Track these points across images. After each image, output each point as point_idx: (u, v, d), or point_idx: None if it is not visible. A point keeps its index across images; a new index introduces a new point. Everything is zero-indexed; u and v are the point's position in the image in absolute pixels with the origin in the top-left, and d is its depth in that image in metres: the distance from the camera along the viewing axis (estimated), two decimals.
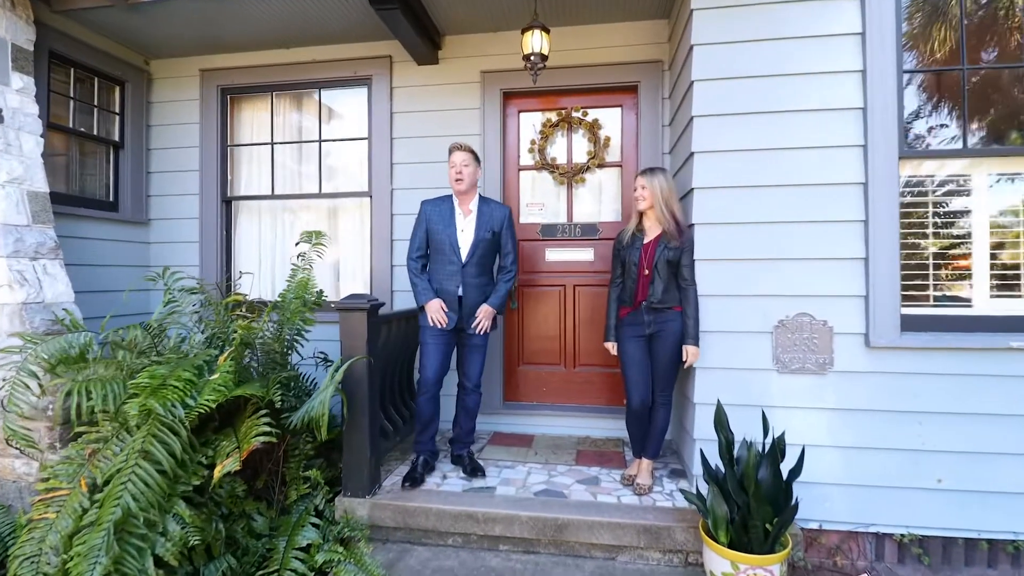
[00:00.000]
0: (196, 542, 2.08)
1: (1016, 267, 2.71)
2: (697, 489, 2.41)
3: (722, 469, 2.24)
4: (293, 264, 3.03)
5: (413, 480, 2.86)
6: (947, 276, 2.78)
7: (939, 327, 2.67)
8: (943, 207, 2.78)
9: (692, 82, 2.76)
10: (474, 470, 2.96)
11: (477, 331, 2.90)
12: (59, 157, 3.74)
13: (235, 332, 2.38)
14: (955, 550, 2.62)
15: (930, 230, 2.78)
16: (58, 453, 2.59)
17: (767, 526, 2.03)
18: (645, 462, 2.83)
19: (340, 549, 2.38)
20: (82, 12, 3.47)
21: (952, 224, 2.78)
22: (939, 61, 2.77)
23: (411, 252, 2.98)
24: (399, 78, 3.88)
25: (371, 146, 3.92)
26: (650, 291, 2.69)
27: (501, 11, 3.47)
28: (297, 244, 3.03)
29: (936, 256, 2.77)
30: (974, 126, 2.78)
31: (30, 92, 3.21)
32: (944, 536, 2.62)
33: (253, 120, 4.23)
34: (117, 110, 4.05)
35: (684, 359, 2.68)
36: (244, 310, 2.98)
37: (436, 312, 2.86)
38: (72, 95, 3.75)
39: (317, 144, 4.10)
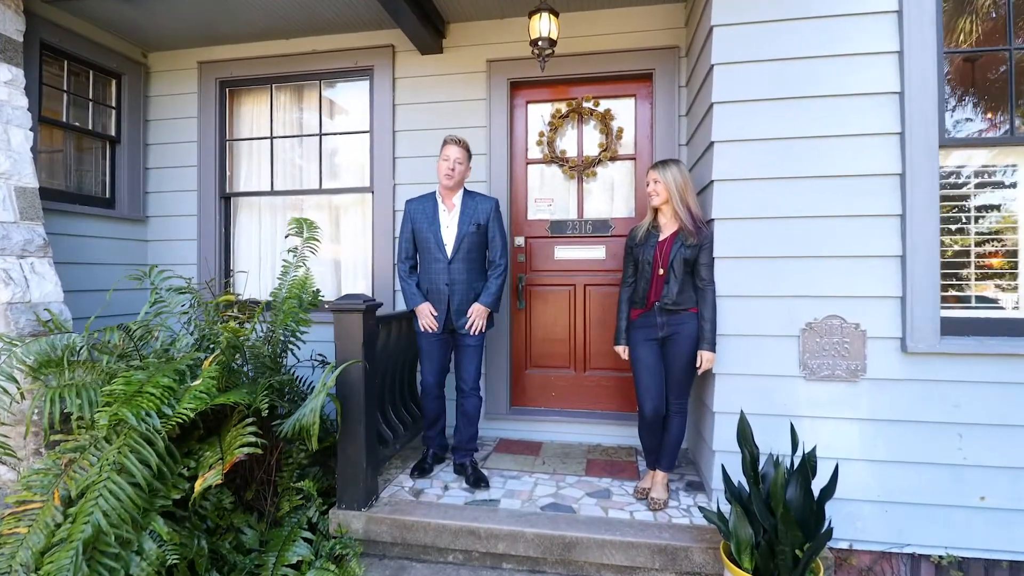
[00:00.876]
0: (175, 560, 1.94)
1: None
2: (718, 507, 2.21)
3: (746, 487, 2.04)
4: (284, 260, 2.88)
5: (422, 470, 2.94)
6: (990, 276, 2.55)
7: (983, 331, 2.45)
8: (983, 200, 2.56)
9: (712, 66, 2.57)
10: (477, 481, 2.80)
11: (470, 331, 2.80)
12: (53, 153, 3.63)
13: (221, 334, 2.23)
14: (998, 573, 2.41)
15: (972, 225, 2.56)
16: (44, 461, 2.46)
17: (797, 552, 1.83)
18: (660, 474, 2.64)
19: (332, 568, 2.22)
20: (75, 2, 3.36)
21: (996, 219, 2.56)
22: (980, 42, 2.54)
23: (399, 255, 2.95)
24: (402, 68, 3.72)
25: (373, 140, 3.76)
26: (664, 291, 2.50)
27: None
28: (287, 237, 2.88)
29: (978, 254, 2.55)
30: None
31: (19, 84, 3.09)
32: (987, 558, 2.41)
33: (252, 114, 4.10)
34: (113, 104, 3.94)
35: (698, 365, 2.48)
36: (236, 310, 2.84)
37: (425, 317, 2.82)
38: (66, 88, 3.64)
39: (317, 138, 3.96)
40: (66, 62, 3.61)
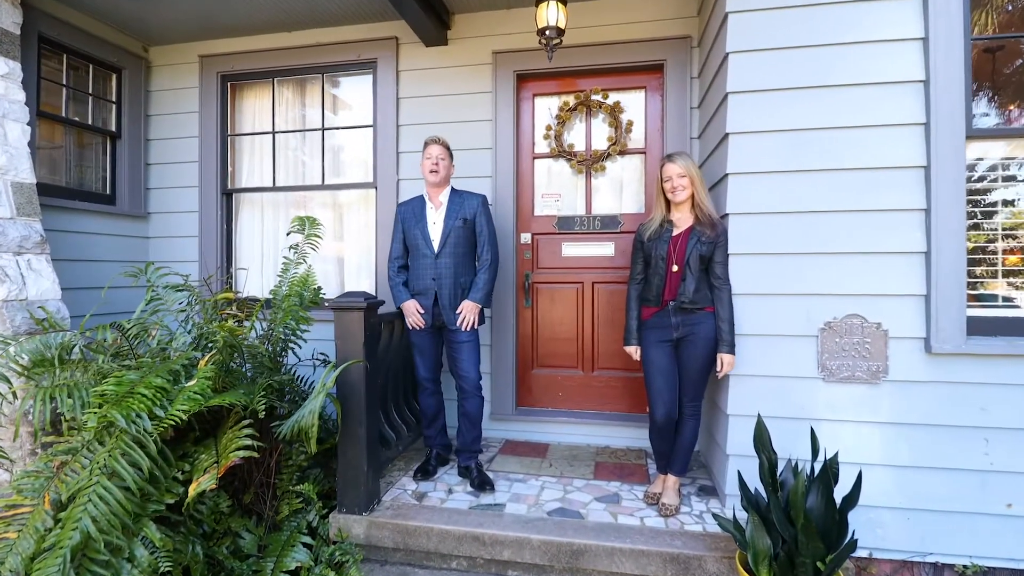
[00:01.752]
0: (168, 567, 1.87)
1: None
2: (734, 515, 2.12)
3: (763, 494, 1.95)
4: (285, 258, 2.81)
5: (425, 472, 2.89)
6: (1017, 273, 2.44)
7: (1011, 331, 2.33)
8: (1008, 194, 2.44)
9: (727, 55, 2.46)
10: (482, 484, 2.72)
11: (463, 328, 2.77)
12: (53, 148, 3.58)
13: (216, 333, 2.16)
14: None
15: (999, 219, 2.44)
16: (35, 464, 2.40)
17: (818, 564, 1.73)
18: (671, 479, 2.55)
19: (331, 574, 2.15)
20: None
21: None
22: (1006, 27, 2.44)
23: (390, 255, 2.96)
24: (406, 61, 3.63)
25: (376, 134, 3.68)
26: (680, 290, 2.40)
27: None
28: (288, 234, 2.81)
29: (1005, 251, 2.43)
30: None
31: (15, 78, 3.03)
32: (1014, 568, 2.29)
33: (254, 109, 4.03)
34: (114, 99, 3.88)
35: (718, 369, 2.38)
36: (235, 308, 2.77)
37: (411, 314, 2.81)
38: (65, 83, 3.58)
39: (320, 133, 3.88)
40: (65, 56, 3.55)
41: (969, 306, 2.32)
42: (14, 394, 2.25)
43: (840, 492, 1.93)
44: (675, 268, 2.41)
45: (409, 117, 3.63)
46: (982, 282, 2.46)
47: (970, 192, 2.38)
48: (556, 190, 3.59)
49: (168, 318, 2.63)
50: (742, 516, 2.29)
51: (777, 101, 2.41)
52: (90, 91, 3.74)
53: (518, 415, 3.50)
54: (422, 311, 2.80)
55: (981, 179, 2.46)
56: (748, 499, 1.95)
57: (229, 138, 4.00)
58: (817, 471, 1.92)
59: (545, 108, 3.59)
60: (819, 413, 2.38)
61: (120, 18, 3.64)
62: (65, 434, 2.04)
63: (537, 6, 2.86)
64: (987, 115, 2.49)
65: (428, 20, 3.24)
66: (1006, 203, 2.45)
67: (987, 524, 2.28)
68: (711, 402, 2.85)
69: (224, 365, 2.29)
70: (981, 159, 2.45)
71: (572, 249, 3.54)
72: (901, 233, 2.31)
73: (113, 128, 3.87)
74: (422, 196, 2.92)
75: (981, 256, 2.45)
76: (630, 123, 3.45)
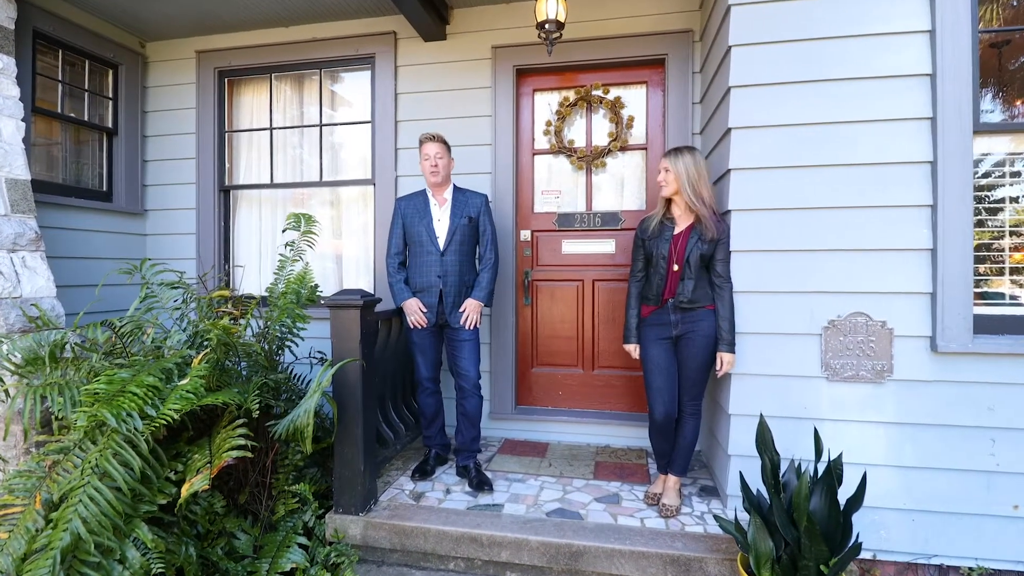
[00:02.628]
0: (160, 569, 1.84)
1: None
2: (735, 516, 2.09)
3: (765, 496, 1.91)
4: (281, 255, 2.78)
5: (423, 472, 2.86)
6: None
7: (1018, 329, 2.29)
8: (1015, 191, 2.39)
9: (729, 48, 2.42)
10: (480, 484, 2.68)
11: (466, 326, 2.75)
12: (50, 145, 3.55)
13: (210, 331, 2.13)
14: None
15: (1006, 216, 2.39)
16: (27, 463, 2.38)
17: (822, 567, 1.70)
18: (672, 479, 2.51)
19: None
20: None
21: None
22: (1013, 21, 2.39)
23: (388, 251, 2.92)
24: (404, 56, 3.59)
25: (375, 130, 3.64)
26: (680, 288, 2.37)
27: None
28: (284, 231, 2.78)
29: (1012, 248, 2.39)
30: None
31: (10, 73, 3.00)
32: (1020, 571, 2.25)
33: (252, 105, 3.99)
34: (110, 95, 3.85)
35: (718, 368, 2.35)
36: (231, 306, 2.73)
37: (414, 313, 2.77)
38: (61, 79, 3.55)
39: (318, 129, 3.85)
40: (61, 52, 3.52)
41: (975, 304, 2.28)
42: (6, 392, 2.23)
43: (844, 493, 1.90)
44: (675, 267, 2.37)
45: (407, 113, 3.59)
46: (988, 280, 2.41)
47: (976, 188, 2.33)
48: (556, 187, 3.55)
49: (163, 316, 2.60)
50: (744, 517, 2.25)
51: (781, 95, 2.37)
52: (86, 87, 3.71)
53: (517, 414, 3.47)
54: (424, 309, 2.76)
55: (987, 175, 2.41)
56: (750, 500, 1.92)
57: (226, 134, 3.96)
58: (820, 472, 1.89)
59: (545, 104, 3.55)
60: (822, 413, 2.34)
61: (116, 13, 3.60)
62: (57, 433, 2.01)
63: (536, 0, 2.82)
64: (992, 111, 2.44)
65: (427, 14, 3.19)
66: (1012, 199, 2.41)
67: (993, 526, 2.24)
68: (713, 401, 2.81)
69: (219, 363, 2.26)
70: (988, 154, 2.40)
71: (572, 246, 3.50)
72: (907, 230, 2.27)
73: (110, 124, 3.84)
74: (424, 192, 2.88)
75: (987, 253, 2.41)
76: (631, 119, 3.40)
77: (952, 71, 2.23)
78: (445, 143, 2.80)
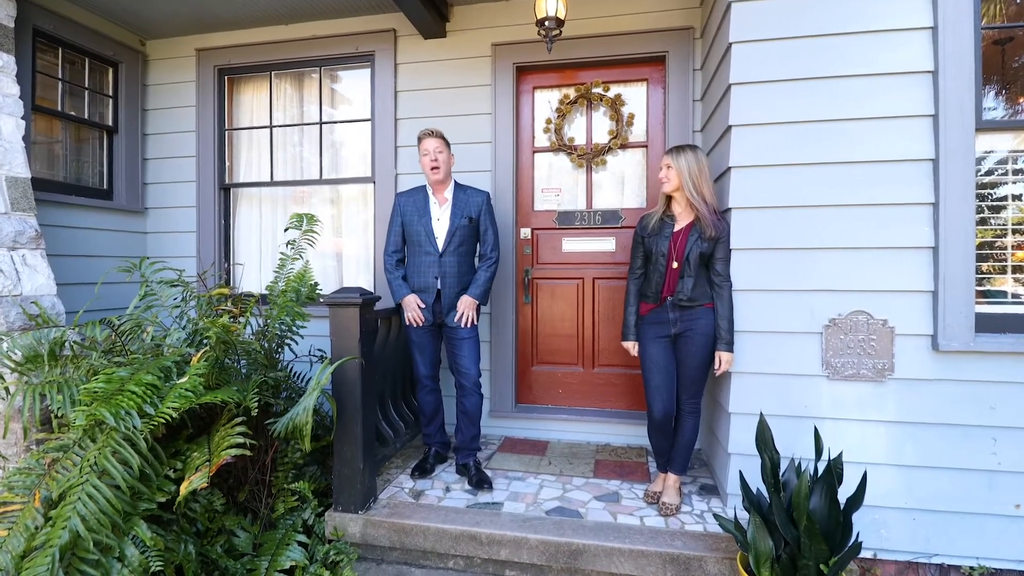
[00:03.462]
0: (159, 567, 1.84)
1: None
2: (735, 515, 2.08)
3: (765, 495, 1.90)
4: (281, 253, 2.77)
5: (423, 470, 2.85)
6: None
7: (1020, 328, 2.28)
8: (1018, 188, 2.38)
9: (730, 45, 2.41)
10: (480, 482, 2.68)
11: (460, 324, 2.73)
12: (50, 143, 3.55)
13: (210, 329, 2.12)
14: None
15: (1008, 214, 2.38)
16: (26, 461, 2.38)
17: (821, 567, 1.69)
18: (672, 478, 2.51)
19: (326, 574, 2.12)
20: None
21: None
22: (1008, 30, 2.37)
23: (387, 247, 2.87)
24: (404, 53, 3.58)
25: (374, 128, 3.64)
26: (679, 286, 2.36)
27: None
28: (286, 230, 2.77)
29: (1014, 246, 2.37)
30: None
31: (9, 71, 2.99)
32: (1022, 570, 2.25)
33: (252, 103, 3.99)
34: (111, 93, 3.85)
35: (716, 367, 2.34)
36: (231, 304, 2.73)
37: (412, 310, 2.74)
38: (61, 77, 3.55)
39: (318, 127, 3.84)
40: (61, 50, 3.51)
41: (977, 302, 2.27)
42: (7, 390, 2.23)
43: (844, 493, 1.89)
44: (675, 265, 2.36)
45: (407, 111, 3.58)
46: (990, 278, 2.40)
47: (978, 186, 2.32)
48: (556, 185, 3.54)
49: (163, 314, 2.60)
50: (744, 516, 2.25)
51: (781, 92, 2.36)
52: (86, 85, 3.71)
53: (517, 412, 3.46)
54: (423, 305, 2.75)
55: (990, 173, 2.40)
56: (750, 499, 1.91)
57: (227, 132, 3.96)
58: (821, 471, 1.88)
59: (545, 101, 3.54)
60: (823, 411, 2.33)
61: (116, 11, 3.60)
62: (56, 431, 2.01)
63: None
64: (996, 108, 2.43)
65: (426, 12, 3.18)
66: (1015, 197, 2.39)
67: (994, 525, 2.23)
68: (713, 400, 2.81)
69: (218, 361, 2.26)
70: (991, 152, 2.39)
71: (572, 244, 3.49)
72: (908, 228, 2.26)
73: (110, 122, 3.84)
74: (424, 188, 2.85)
75: (989, 252, 2.39)
76: (631, 116, 3.39)
77: (954, 68, 2.22)
78: (444, 138, 2.76)
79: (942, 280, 2.22)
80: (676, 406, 2.44)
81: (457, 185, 2.84)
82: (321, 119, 3.83)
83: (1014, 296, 2.38)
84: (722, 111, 2.59)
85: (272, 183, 3.91)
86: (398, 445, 3.01)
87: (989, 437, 2.23)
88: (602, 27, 3.29)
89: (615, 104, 3.38)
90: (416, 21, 3.31)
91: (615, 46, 3.28)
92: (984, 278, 2.38)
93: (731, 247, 2.39)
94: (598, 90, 3.40)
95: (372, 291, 3.08)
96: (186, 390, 1.87)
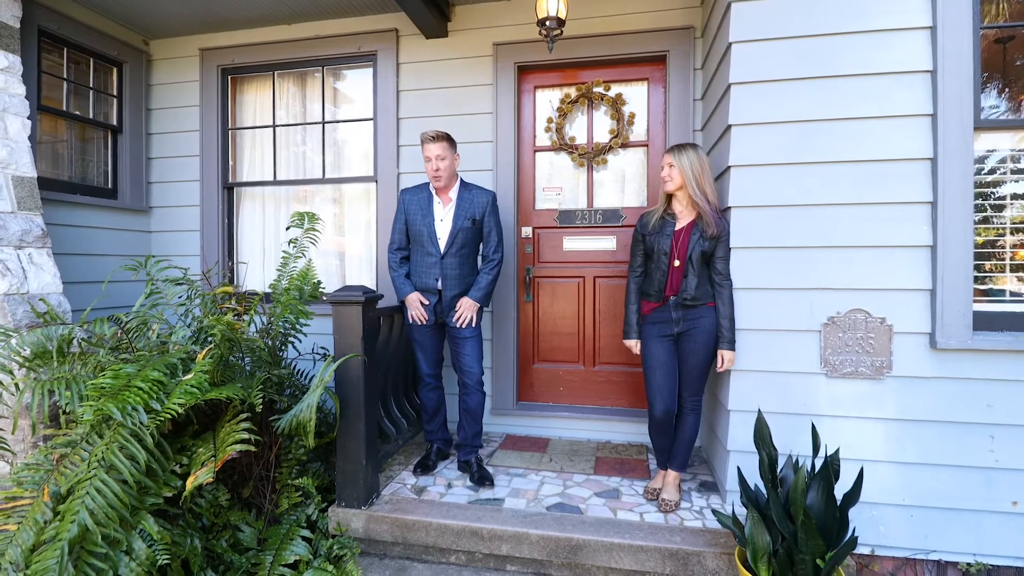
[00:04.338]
0: (166, 560, 1.87)
1: None
2: (733, 511, 2.10)
3: (763, 491, 1.93)
4: (284, 252, 2.80)
5: (425, 467, 2.86)
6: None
7: (1019, 326, 2.29)
8: (1016, 188, 2.39)
9: (730, 44, 2.42)
10: (482, 479, 2.71)
11: (459, 325, 2.73)
12: (55, 143, 3.58)
13: (214, 327, 2.15)
14: None
15: (1008, 213, 2.39)
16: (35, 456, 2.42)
17: (818, 561, 1.72)
18: (671, 475, 2.53)
19: (330, 568, 2.15)
20: None
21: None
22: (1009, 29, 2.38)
23: (391, 244, 2.87)
24: (406, 53, 3.61)
25: (377, 127, 3.66)
26: (682, 285, 2.38)
27: None
28: (288, 228, 2.80)
29: (1012, 244, 2.39)
30: None
31: (15, 71, 3.03)
32: (1019, 567, 2.26)
33: (255, 102, 4.01)
34: (115, 93, 3.88)
35: (719, 365, 2.36)
36: (235, 302, 2.76)
37: (415, 308, 2.75)
38: (66, 77, 3.58)
39: (320, 126, 3.87)
40: (66, 50, 3.55)
41: (975, 301, 2.28)
42: (16, 386, 2.26)
43: (841, 489, 1.91)
44: (677, 263, 2.38)
45: (409, 110, 3.61)
46: (990, 277, 2.41)
47: (978, 185, 2.33)
48: (557, 183, 3.56)
49: (168, 312, 2.63)
50: (742, 512, 2.27)
51: (781, 92, 2.37)
52: (91, 85, 3.74)
53: (519, 410, 3.49)
54: (426, 302, 2.76)
55: (991, 172, 2.41)
56: (748, 495, 1.93)
57: (230, 132, 3.99)
58: (818, 468, 1.90)
59: (546, 100, 3.56)
60: (821, 409, 2.35)
61: (120, 11, 3.63)
62: (64, 427, 2.04)
63: None
64: (996, 107, 2.43)
65: (428, 12, 3.21)
66: (1014, 196, 2.40)
67: (992, 522, 2.25)
68: (712, 397, 2.83)
69: (222, 359, 2.29)
70: (992, 151, 2.40)
71: (573, 243, 3.51)
72: (907, 226, 2.27)
73: (114, 122, 3.87)
74: (429, 186, 2.82)
75: (989, 250, 2.40)
76: (632, 115, 3.41)
77: (953, 68, 2.23)
78: (448, 140, 2.70)
79: (940, 278, 2.23)
80: (677, 404, 2.46)
81: (463, 184, 2.82)
82: (324, 119, 3.86)
83: (1012, 294, 2.39)
84: (722, 110, 2.61)
85: (275, 182, 3.93)
86: (400, 442, 3.04)
87: (987, 435, 2.24)
88: (603, 27, 3.30)
89: (616, 103, 3.40)
90: (418, 21, 3.34)
91: (616, 45, 3.29)
92: (982, 276, 2.39)
93: (731, 246, 2.41)
94: (599, 89, 3.42)
95: (375, 289, 3.10)
96: (192, 387, 1.89)
